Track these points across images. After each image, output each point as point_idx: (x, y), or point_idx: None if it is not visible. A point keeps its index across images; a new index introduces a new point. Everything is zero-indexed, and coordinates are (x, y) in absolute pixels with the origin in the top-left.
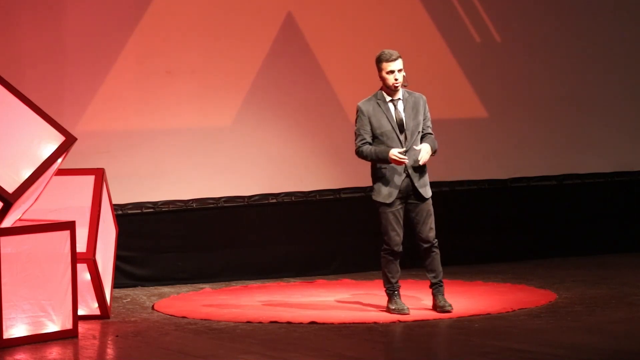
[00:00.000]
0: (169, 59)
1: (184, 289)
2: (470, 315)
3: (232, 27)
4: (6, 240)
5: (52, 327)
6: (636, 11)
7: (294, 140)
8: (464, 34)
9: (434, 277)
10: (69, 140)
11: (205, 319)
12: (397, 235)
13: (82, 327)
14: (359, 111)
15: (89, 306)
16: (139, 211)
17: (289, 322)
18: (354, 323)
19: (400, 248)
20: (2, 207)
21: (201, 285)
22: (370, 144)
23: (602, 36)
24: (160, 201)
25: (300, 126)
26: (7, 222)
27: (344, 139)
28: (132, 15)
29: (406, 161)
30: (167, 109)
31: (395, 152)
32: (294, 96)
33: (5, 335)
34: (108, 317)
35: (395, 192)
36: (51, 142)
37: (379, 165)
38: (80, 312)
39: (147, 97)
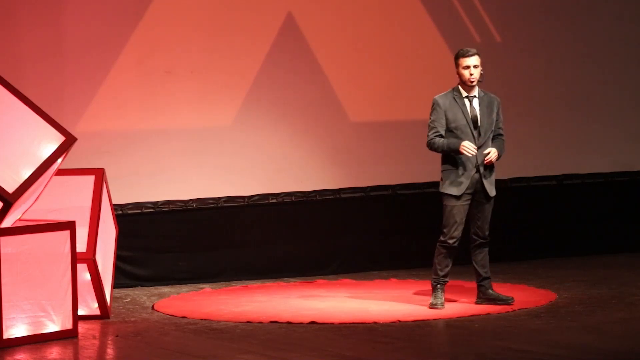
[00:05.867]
0: (169, 59)
1: (184, 289)
2: (470, 315)
3: (232, 27)
4: (6, 240)
5: (52, 327)
6: (636, 11)
7: (294, 140)
8: (464, 34)
9: (486, 272)
10: (69, 140)
11: (205, 319)
12: (456, 230)
13: (82, 327)
14: (435, 104)
15: (89, 306)
16: (139, 211)
17: (289, 322)
18: (354, 323)
19: (456, 243)
20: (2, 207)
21: (201, 285)
22: (442, 136)
23: (602, 36)
24: (160, 201)
25: (300, 126)
26: (7, 222)
27: (344, 139)
28: (132, 15)
29: (475, 152)
30: (167, 109)
31: (466, 144)
32: (294, 96)
33: (5, 335)
34: (108, 317)
35: (464, 186)
36: (51, 142)
37: (451, 159)
38: (80, 312)
39: (147, 97)
